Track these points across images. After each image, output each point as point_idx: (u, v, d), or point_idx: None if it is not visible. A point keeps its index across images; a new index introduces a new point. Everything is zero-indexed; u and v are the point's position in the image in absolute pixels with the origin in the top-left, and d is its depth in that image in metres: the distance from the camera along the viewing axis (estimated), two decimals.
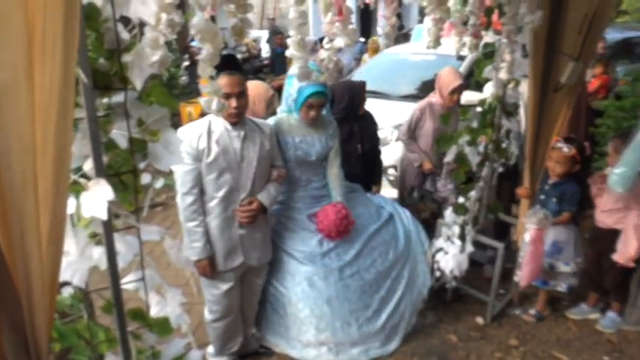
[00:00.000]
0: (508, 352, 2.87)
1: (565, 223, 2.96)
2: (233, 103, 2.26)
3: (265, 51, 12.08)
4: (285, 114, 2.74)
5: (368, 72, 5.98)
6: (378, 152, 3.56)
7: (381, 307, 2.88)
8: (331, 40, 1.48)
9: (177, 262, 1.43)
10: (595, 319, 3.10)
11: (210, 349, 2.75)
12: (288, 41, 1.43)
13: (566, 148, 2.85)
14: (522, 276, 2.88)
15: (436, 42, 2.22)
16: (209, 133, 2.33)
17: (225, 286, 2.51)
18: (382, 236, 2.99)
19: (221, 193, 2.36)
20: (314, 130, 2.74)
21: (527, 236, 2.79)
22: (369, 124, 3.42)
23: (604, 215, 2.94)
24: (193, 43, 10.17)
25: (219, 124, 2.35)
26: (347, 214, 2.78)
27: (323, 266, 2.82)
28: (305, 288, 2.80)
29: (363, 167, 3.36)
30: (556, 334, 3.02)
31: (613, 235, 2.86)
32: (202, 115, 3.93)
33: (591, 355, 2.82)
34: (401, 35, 12.04)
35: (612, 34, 8.94)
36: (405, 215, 3.16)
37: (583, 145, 2.96)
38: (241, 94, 2.30)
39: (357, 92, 3.32)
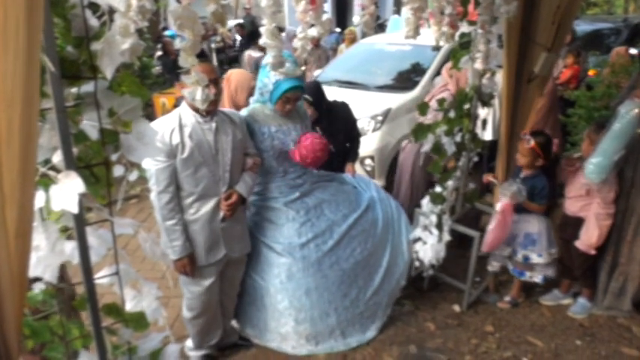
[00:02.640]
0: (484, 339, 2.92)
1: (535, 213, 3.02)
2: (212, 89, 2.21)
3: (240, 41, 11.92)
4: (259, 104, 2.69)
5: (344, 62, 5.97)
6: (354, 135, 3.47)
7: (358, 295, 2.90)
8: (305, 30, 1.45)
9: (153, 255, 1.40)
10: (567, 305, 3.18)
11: (189, 342, 2.72)
12: (261, 29, 1.40)
13: (528, 141, 2.90)
14: (485, 242, 2.98)
15: (415, 32, 2.21)
16: (181, 127, 2.26)
17: (206, 282, 2.48)
18: (362, 225, 3.00)
19: (199, 188, 2.32)
20: (289, 119, 2.71)
21: (499, 205, 2.90)
22: (335, 119, 3.31)
23: (570, 202, 3.00)
24: (166, 33, 9.98)
25: (190, 117, 2.28)
26: (326, 144, 2.71)
27: (301, 257, 2.81)
28: (283, 280, 2.80)
29: (340, 167, 3.31)
30: (530, 320, 3.09)
31: (579, 222, 2.93)
32: (176, 106, 3.86)
33: (564, 339, 2.89)
34: (376, 25, 12.03)
35: (582, 26, 9.11)
36: (388, 202, 3.17)
37: (550, 140, 3.00)
38: (217, 82, 2.27)
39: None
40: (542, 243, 3.00)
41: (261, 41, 1.46)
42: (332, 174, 3.11)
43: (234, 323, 2.87)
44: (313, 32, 1.47)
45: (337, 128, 3.28)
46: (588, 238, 2.86)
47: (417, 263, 3.15)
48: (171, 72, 7.31)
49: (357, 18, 13.18)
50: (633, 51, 6.68)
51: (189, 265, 2.37)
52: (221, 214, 2.40)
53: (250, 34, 11.21)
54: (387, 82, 5.23)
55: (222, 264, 2.51)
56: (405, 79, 5.14)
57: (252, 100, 2.78)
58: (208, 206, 2.36)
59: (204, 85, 1.45)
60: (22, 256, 1.01)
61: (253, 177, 2.56)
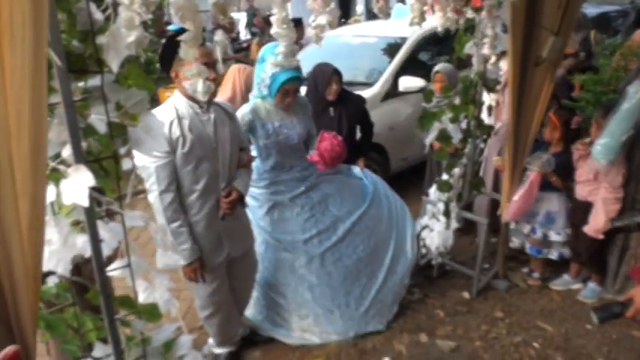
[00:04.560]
0: (494, 324, 2.93)
1: (557, 191, 3.07)
2: (212, 74, 2.10)
3: (243, 34, 11.88)
4: (260, 99, 2.64)
5: (308, 57, 5.70)
6: (367, 127, 3.48)
7: (362, 293, 2.89)
8: (317, 18, 1.45)
9: (164, 247, 1.41)
10: (577, 290, 3.18)
11: (211, 341, 2.68)
12: (272, 19, 1.39)
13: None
14: (510, 211, 3.00)
15: (420, 18, 2.20)
16: (180, 119, 2.13)
17: (213, 284, 2.38)
18: (365, 221, 2.98)
19: (201, 185, 2.20)
20: (291, 112, 2.69)
21: (527, 176, 2.95)
22: (348, 109, 3.29)
23: (580, 187, 3.00)
24: (170, 27, 9.96)
25: (187, 109, 2.16)
26: (342, 142, 2.71)
27: (304, 253, 2.82)
28: (286, 275, 2.81)
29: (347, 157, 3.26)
30: (540, 305, 3.09)
31: (588, 207, 2.92)
32: None
33: (574, 323, 2.89)
34: (372, 14, 11.92)
35: (590, 9, 9.00)
36: (393, 199, 3.15)
37: (571, 113, 3.06)
38: (213, 66, 2.16)
39: (321, 76, 3.22)
40: (561, 221, 3.06)
41: (272, 31, 1.45)
42: (339, 165, 3.09)
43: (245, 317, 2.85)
44: (323, 20, 1.45)
45: (348, 117, 3.28)
46: (596, 223, 2.85)
47: (423, 250, 3.15)
48: None
49: (360, 7, 13.08)
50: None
51: (200, 270, 2.26)
52: (220, 212, 2.29)
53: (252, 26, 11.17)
54: (346, 79, 5.03)
55: (225, 264, 2.42)
56: (368, 75, 4.76)
57: (251, 95, 2.74)
58: (210, 204, 2.25)
59: (205, 77, 1.45)
60: (36, 250, 1.02)
61: (249, 173, 2.48)
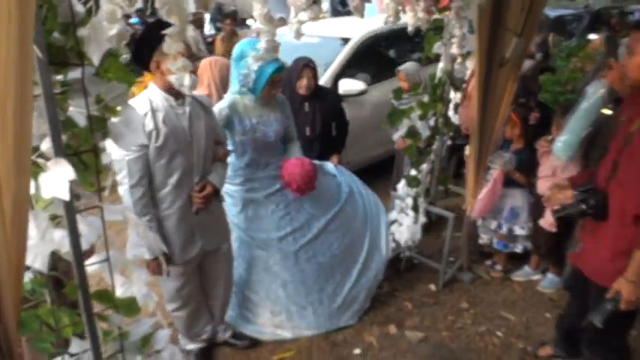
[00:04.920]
0: (460, 315, 3.04)
1: (520, 187, 3.20)
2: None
3: (207, 29, 11.70)
4: (238, 95, 2.63)
5: None
6: (342, 124, 3.48)
7: (335, 290, 2.93)
8: (297, 14, 1.47)
9: (146, 240, 1.41)
10: (537, 280, 3.33)
11: (181, 337, 2.66)
12: (255, 14, 1.40)
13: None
14: (476, 209, 3.11)
15: (396, 17, 2.25)
16: (153, 112, 2.09)
17: (181, 279, 2.36)
18: (340, 219, 3.01)
19: (174, 179, 2.16)
20: (270, 109, 2.68)
21: (490, 175, 3.06)
22: (323, 105, 3.29)
23: (540, 182, 3.13)
24: (131, 21, 9.70)
25: (162, 102, 2.12)
26: (313, 169, 2.73)
27: (279, 250, 2.83)
28: (259, 272, 2.83)
29: (320, 154, 3.28)
30: (502, 296, 3.22)
31: None
32: None
33: (534, 312, 3.03)
34: (344, 12, 12.00)
35: (547, 12, 9.35)
36: (367, 197, 3.18)
37: (529, 110, 3.18)
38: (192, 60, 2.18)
39: (294, 69, 3.22)
40: (524, 216, 3.20)
41: (254, 26, 1.46)
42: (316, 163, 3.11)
43: (225, 320, 2.80)
44: (304, 17, 1.48)
45: (322, 113, 3.28)
46: (550, 217, 3.00)
47: (393, 245, 3.23)
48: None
49: (325, 5, 13.11)
50: (593, 36, 6.92)
51: (165, 264, 2.20)
52: (194, 207, 2.26)
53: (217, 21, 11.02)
54: None
55: (197, 259, 2.40)
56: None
57: (229, 91, 2.71)
58: (182, 198, 2.21)
59: (191, 71, 1.45)
60: (20, 244, 1.01)
61: (225, 167, 2.45)
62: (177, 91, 1.98)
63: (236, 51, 2.56)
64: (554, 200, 2.17)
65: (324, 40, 4.80)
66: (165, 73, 2.03)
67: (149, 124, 2.08)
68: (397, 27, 4.76)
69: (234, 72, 2.59)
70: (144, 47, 2.05)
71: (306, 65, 3.19)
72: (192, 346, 2.65)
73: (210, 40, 11.17)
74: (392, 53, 5.09)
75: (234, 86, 2.65)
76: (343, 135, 3.51)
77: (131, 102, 2.09)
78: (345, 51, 4.49)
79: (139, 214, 2.10)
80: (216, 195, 2.33)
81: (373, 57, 4.85)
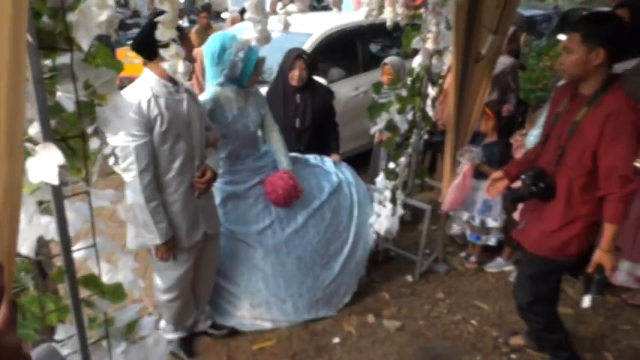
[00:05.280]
0: (435, 305, 3.12)
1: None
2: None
3: (180, 22, 11.57)
4: (219, 87, 2.65)
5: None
6: (332, 125, 3.45)
7: (315, 283, 2.95)
8: (285, 5, 1.50)
9: (135, 223, 1.42)
10: (510, 271, 3.44)
11: (164, 324, 2.64)
12: (246, 4, 1.42)
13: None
14: (445, 202, 3.18)
15: (379, 11, 2.29)
16: (156, 98, 2.11)
17: (186, 265, 2.40)
18: (322, 213, 3.04)
19: (177, 164, 2.20)
20: (247, 100, 2.73)
21: (459, 169, 3.12)
22: (314, 99, 3.28)
23: None
24: None
25: (161, 88, 2.14)
26: (294, 184, 2.83)
27: (259, 243, 2.85)
28: (239, 264, 2.84)
29: (309, 146, 3.30)
30: (476, 287, 3.32)
31: None
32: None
33: (507, 302, 3.13)
34: (319, 8, 11.99)
35: (519, 12, 9.57)
36: (357, 189, 3.20)
37: (501, 102, 3.27)
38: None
39: (286, 60, 3.25)
40: (497, 208, 3.27)
41: (246, 16, 1.48)
42: (296, 157, 3.13)
43: (207, 309, 2.82)
44: (293, 8, 1.51)
45: (312, 107, 3.27)
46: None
47: (374, 236, 3.27)
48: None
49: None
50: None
51: (174, 249, 2.27)
52: (196, 192, 2.32)
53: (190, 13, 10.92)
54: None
55: (200, 244, 2.44)
56: (266, 72, 4.42)
57: (207, 85, 2.72)
58: (185, 184, 2.26)
59: (184, 57, 1.46)
60: (12, 228, 1.02)
61: (217, 152, 2.54)
62: (173, 78, 2.01)
63: (215, 46, 2.56)
64: (493, 190, 2.41)
65: (287, 35, 4.70)
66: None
67: (154, 110, 2.10)
68: (363, 23, 4.81)
69: (214, 66, 2.60)
70: (151, 37, 2.03)
71: (299, 56, 3.19)
72: (173, 336, 2.66)
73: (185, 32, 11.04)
74: (359, 49, 5.01)
75: (214, 79, 2.66)
76: (336, 136, 3.45)
77: (131, 88, 2.16)
78: (306, 47, 4.36)
79: (148, 199, 2.13)
80: (215, 179, 2.39)
81: (338, 53, 4.80)
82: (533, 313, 2.35)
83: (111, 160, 1.96)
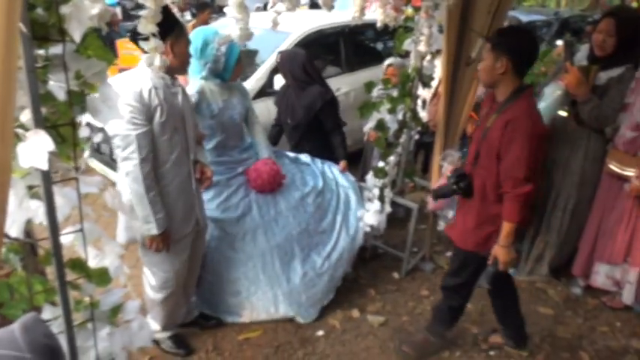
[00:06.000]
0: (420, 302, 3.18)
1: None
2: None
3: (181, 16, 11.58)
4: (204, 81, 2.72)
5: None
6: (334, 127, 3.38)
7: (295, 277, 2.94)
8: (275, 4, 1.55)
9: (123, 210, 1.47)
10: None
11: (155, 325, 2.59)
12: (229, 2, 1.48)
13: None
14: (431, 201, 3.22)
15: (361, 12, 2.35)
16: (155, 88, 2.13)
17: (183, 256, 2.43)
18: (305, 205, 3.06)
19: (174, 156, 2.23)
20: (231, 92, 2.81)
21: (444, 170, 3.15)
22: (304, 95, 3.27)
23: None
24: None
25: (159, 80, 2.16)
26: (278, 170, 2.91)
27: (238, 230, 2.88)
28: (219, 253, 2.87)
29: (299, 143, 3.34)
30: None
31: None
32: None
33: (488, 301, 3.13)
34: (314, 4, 11.99)
35: (520, 17, 9.65)
36: (348, 190, 3.23)
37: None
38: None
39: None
40: None
41: (229, 14, 1.54)
42: (281, 151, 3.18)
43: (194, 299, 2.85)
44: (282, 7, 1.56)
45: (301, 103, 3.27)
46: None
47: (362, 232, 3.32)
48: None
49: None
50: (559, 42, 7.17)
51: (168, 239, 2.30)
52: (193, 184, 2.38)
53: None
54: None
55: (192, 235, 2.47)
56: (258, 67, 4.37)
57: (190, 80, 2.76)
58: (182, 175, 2.30)
59: (161, 52, 1.51)
60: (1, 211, 1.06)
61: (204, 148, 2.63)
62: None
63: (198, 40, 2.60)
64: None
65: (268, 33, 4.59)
66: (176, 54, 2.13)
67: (154, 100, 2.12)
68: (349, 23, 4.77)
69: (197, 60, 2.62)
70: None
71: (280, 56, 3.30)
72: (163, 335, 2.64)
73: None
74: (341, 50, 4.93)
75: (197, 73, 2.72)
76: (341, 140, 3.38)
77: (130, 77, 2.20)
78: (284, 46, 4.29)
79: (148, 188, 2.14)
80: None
81: (318, 53, 4.63)
82: (455, 292, 2.54)
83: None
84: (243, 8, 1.51)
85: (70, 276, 1.49)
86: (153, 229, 2.19)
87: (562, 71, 2.95)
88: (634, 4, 7.54)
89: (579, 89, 2.80)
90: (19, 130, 1.24)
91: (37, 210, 1.36)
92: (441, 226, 3.62)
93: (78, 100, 1.34)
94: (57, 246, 1.38)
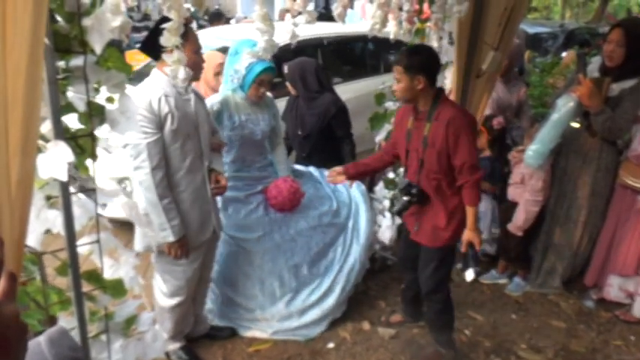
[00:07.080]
0: None
1: (484, 193, 3.30)
2: (202, 59, 2.23)
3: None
4: (230, 92, 2.70)
5: None
6: (345, 137, 3.36)
7: (310, 296, 2.91)
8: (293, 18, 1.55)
9: (139, 222, 1.47)
10: (504, 284, 3.47)
11: (163, 334, 2.51)
12: (254, 15, 1.48)
13: None
14: None
15: (382, 25, 2.36)
16: (166, 96, 2.15)
17: (195, 264, 2.42)
18: (322, 223, 3.01)
19: (187, 163, 2.25)
20: (258, 108, 2.77)
21: None
22: (315, 105, 3.27)
23: (511, 189, 3.30)
24: None
25: (171, 88, 2.17)
26: (297, 187, 2.88)
27: (257, 250, 2.86)
28: (237, 269, 2.86)
29: (310, 154, 3.32)
30: (472, 297, 3.35)
31: (515, 207, 3.22)
32: None
33: (501, 313, 3.16)
34: (325, 17, 12.07)
35: (525, 29, 9.68)
36: (361, 206, 3.13)
37: (490, 117, 3.32)
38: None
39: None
40: (485, 221, 3.30)
41: (254, 26, 1.54)
42: (299, 170, 3.16)
43: (205, 313, 2.83)
44: (302, 20, 1.57)
45: (311, 114, 3.27)
46: (517, 221, 3.16)
47: (377, 246, 3.29)
48: None
49: (311, 5, 13.17)
50: (564, 54, 7.19)
51: (187, 246, 2.29)
52: (208, 191, 2.38)
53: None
54: None
55: (207, 243, 2.47)
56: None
57: (221, 87, 2.78)
58: (196, 182, 2.30)
59: (184, 64, 1.52)
60: (22, 218, 1.07)
61: (221, 156, 2.60)
62: None
63: (232, 48, 2.64)
64: (331, 180, 2.66)
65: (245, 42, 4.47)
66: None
67: (164, 108, 2.13)
68: (333, 35, 4.75)
69: (227, 68, 2.67)
70: (158, 39, 2.08)
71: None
72: (173, 346, 2.62)
73: None
74: (328, 63, 4.84)
75: (226, 83, 2.73)
76: (350, 150, 3.38)
77: (143, 86, 2.21)
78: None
79: (161, 196, 2.16)
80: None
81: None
82: (437, 292, 2.59)
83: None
84: (268, 20, 1.52)
85: (86, 287, 1.49)
86: (169, 237, 2.20)
87: (575, 83, 2.94)
88: None
89: (592, 101, 2.79)
90: (40, 141, 1.25)
91: (54, 220, 1.37)
92: None
93: (97, 112, 1.35)
94: (74, 257, 1.38)
